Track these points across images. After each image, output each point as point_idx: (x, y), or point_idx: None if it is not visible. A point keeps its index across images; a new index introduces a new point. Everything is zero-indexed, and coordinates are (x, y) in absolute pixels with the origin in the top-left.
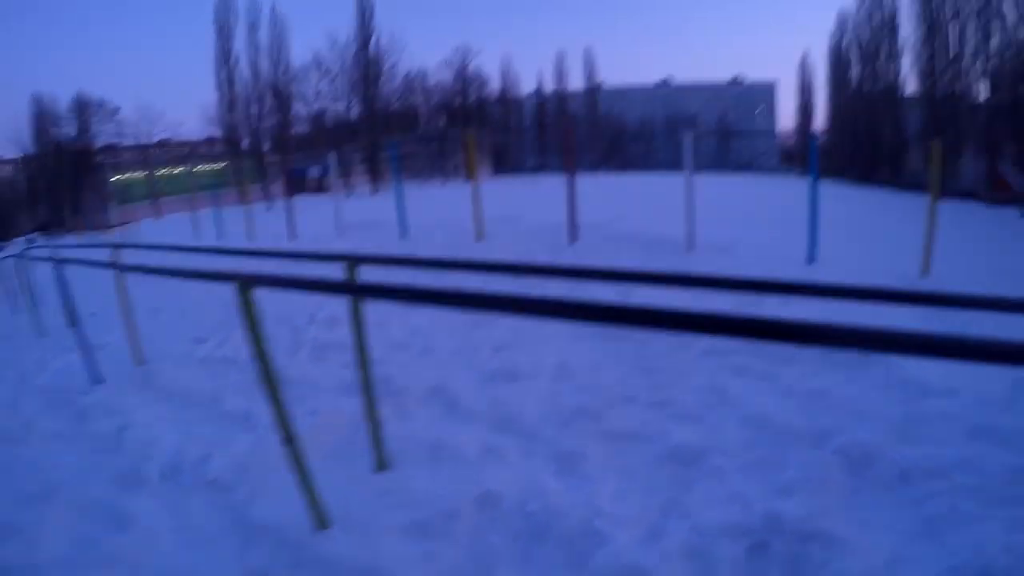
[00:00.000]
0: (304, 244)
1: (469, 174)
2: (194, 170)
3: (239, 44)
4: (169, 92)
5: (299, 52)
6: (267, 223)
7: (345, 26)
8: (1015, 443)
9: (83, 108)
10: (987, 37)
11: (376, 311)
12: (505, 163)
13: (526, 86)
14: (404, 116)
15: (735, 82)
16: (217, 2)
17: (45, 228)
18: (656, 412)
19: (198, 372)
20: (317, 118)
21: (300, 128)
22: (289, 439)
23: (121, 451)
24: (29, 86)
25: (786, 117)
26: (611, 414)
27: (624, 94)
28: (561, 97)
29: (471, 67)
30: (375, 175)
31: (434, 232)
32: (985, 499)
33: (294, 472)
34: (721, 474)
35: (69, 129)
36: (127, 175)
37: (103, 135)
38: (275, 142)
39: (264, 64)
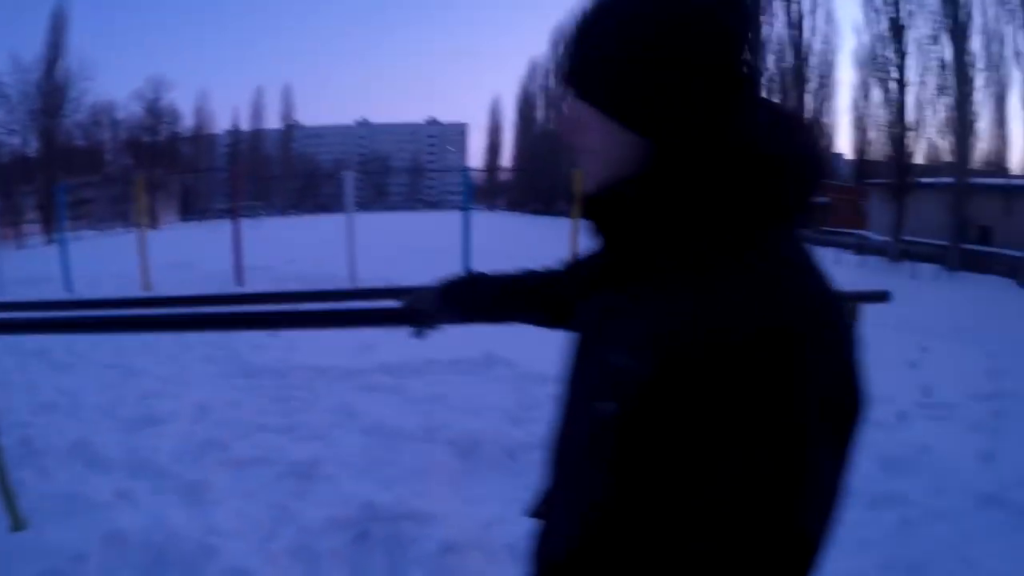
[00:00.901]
0: None
1: (142, 220)
2: None
3: None
4: None
5: None
6: None
7: (31, 44)
8: None
9: None
10: None
11: (26, 374)
12: (195, 205)
13: (221, 123)
14: (88, 154)
15: (431, 123)
16: None
17: None
18: (283, 436)
19: None
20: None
21: None
22: None
23: None
24: None
25: (477, 156)
26: (240, 444)
27: (321, 133)
28: (256, 136)
29: (164, 101)
30: (50, 222)
31: (103, 284)
32: None
33: None
34: (333, 480)
35: None
36: None
37: None
38: None
39: None
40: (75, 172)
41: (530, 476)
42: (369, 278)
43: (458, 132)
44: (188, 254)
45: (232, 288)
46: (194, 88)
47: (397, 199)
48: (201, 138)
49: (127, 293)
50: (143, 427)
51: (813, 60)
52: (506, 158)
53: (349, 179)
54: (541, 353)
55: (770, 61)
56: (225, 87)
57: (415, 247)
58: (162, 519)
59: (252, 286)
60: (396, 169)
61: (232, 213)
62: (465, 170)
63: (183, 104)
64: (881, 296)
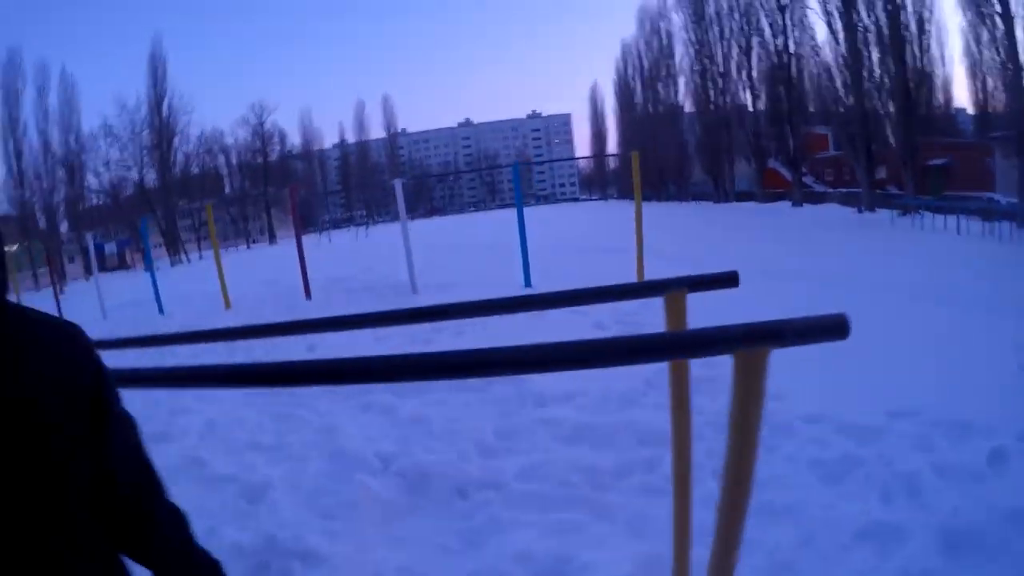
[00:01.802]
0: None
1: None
2: None
3: (28, 111)
4: None
5: (87, 117)
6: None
7: (135, 87)
8: (610, 444)
9: None
10: (748, 52)
11: None
12: (311, 219)
13: (329, 138)
14: (204, 179)
15: (533, 116)
16: (4, 64)
17: None
18: (264, 455)
19: None
20: (112, 189)
21: (95, 200)
22: None
23: None
24: None
25: (584, 145)
26: (223, 461)
27: (426, 138)
28: (363, 147)
29: (269, 123)
30: (173, 245)
31: (191, 302)
32: (539, 505)
33: None
34: (273, 506)
35: None
36: None
37: None
38: (70, 218)
39: (55, 132)
40: (194, 197)
41: (470, 519)
42: (426, 283)
43: (562, 123)
44: (278, 270)
45: (301, 300)
46: (297, 108)
47: (509, 195)
48: (311, 154)
49: (211, 310)
50: (153, 443)
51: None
52: (611, 145)
53: (399, 187)
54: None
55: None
56: (327, 104)
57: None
58: None
59: (320, 297)
60: (503, 166)
61: (296, 231)
62: (515, 165)
63: (288, 124)
64: (729, 279)
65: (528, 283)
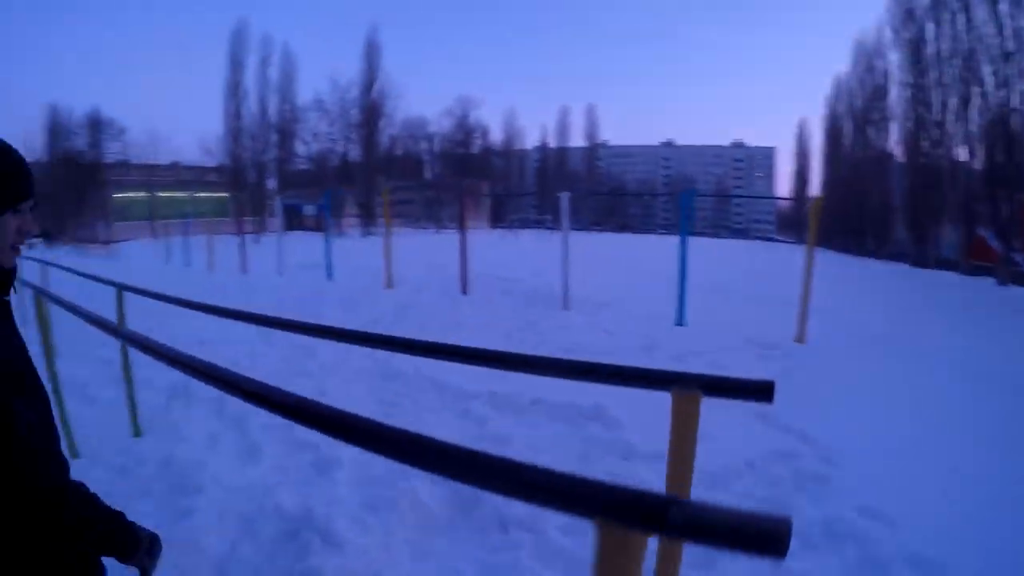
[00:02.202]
0: (253, 280)
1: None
2: (195, 196)
3: (250, 78)
4: (176, 118)
5: (302, 91)
6: (245, 255)
7: (348, 67)
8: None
9: (95, 125)
10: (967, 102)
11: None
12: (503, 215)
13: (530, 140)
14: (406, 161)
15: (737, 145)
16: (233, 34)
17: (45, 235)
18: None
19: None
20: (317, 157)
21: (301, 165)
22: None
23: None
24: (43, 94)
25: (785, 183)
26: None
27: (626, 153)
28: (562, 153)
29: (473, 118)
30: (368, 217)
31: (360, 274)
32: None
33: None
34: (333, 483)
35: (80, 143)
36: (129, 194)
37: (110, 153)
38: (277, 177)
39: (272, 100)
40: (394, 176)
41: (496, 555)
42: (582, 298)
43: (765, 156)
44: (446, 259)
45: (458, 294)
46: (502, 105)
47: (703, 224)
48: (512, 153)
49: (372, 285)
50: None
51: None
52: (814, 186)
53: (565, 200)
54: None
55: None
56: (533, 105)
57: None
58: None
59: (477, 294)
60: (703, 192)
61: (460, 227)
62: (689, 192)
63: (492, 120)
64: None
65: (681, 321)
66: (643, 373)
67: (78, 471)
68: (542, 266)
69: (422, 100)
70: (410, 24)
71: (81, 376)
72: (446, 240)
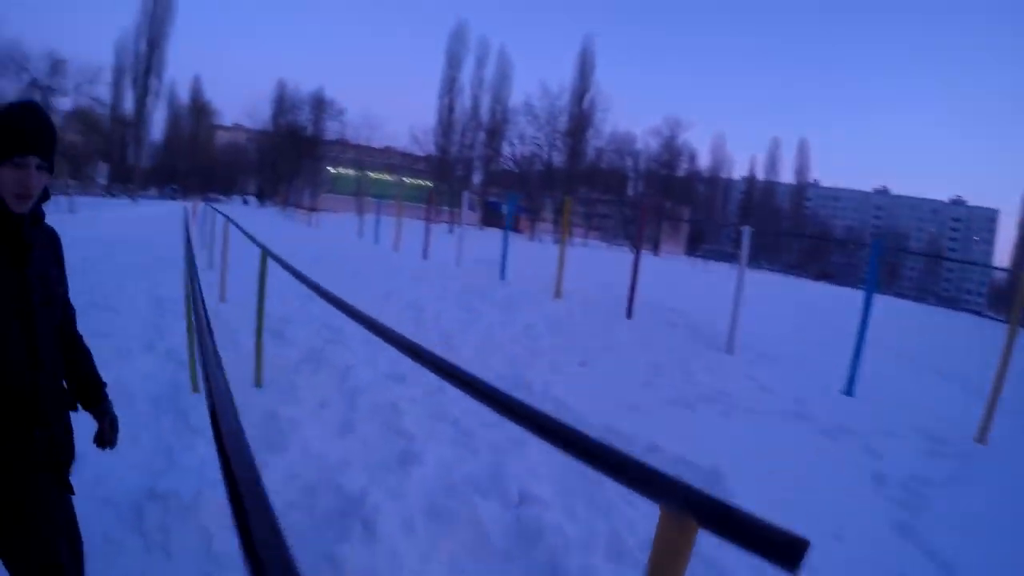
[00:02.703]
0: (429, 266)
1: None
2: (401, 180)
3: (465, 76)
4: (392, 105)
5: (514, 94)
6: (429, 242)
7: (560, 74)
8: None
9: (318, 103)
10: None
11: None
12: (701, 242)
13: (737, 169)
14: (609, 175)
15: (956, 202)
16: (451, 32)
17: (259, 195)
18: (447, 426)
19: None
20: (522, 160)
21: (505, 166)
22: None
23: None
24: (274, 70)
25: (1005, 252)
26: (409, 418)
27: (836, 196)
28: (769, 187)
29: (680, 140)
30: (561, 225)
31: (534, 280)
32: None
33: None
34: (407, 478)
35: (302, 117)
36: (341, 170)
37: (329, 130)
38: (482, 174)
39: (484, 99)
40: (596, 189)
41: None
42: (750, 343)
43: (987, 218)
44: (624, 278)
45: (621, 317)
46: (711, 130)
47: (907, 284)
48: (717, 180)
49: (541, 293)
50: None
51: None
52: None
53: (746, 236)
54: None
55: None
56: (742, 134)
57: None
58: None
59: (639, 320)
60: (912, 249)
61: (635, 249)
62: (880, 241)
63: (699, 144)
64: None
65: (849, 391)
66: (626, 465)
67: (193, 404)
68: (719, 303)
69: (631, 115)
70: (626, 38)
71: (234, 322)
72: (635, 259)
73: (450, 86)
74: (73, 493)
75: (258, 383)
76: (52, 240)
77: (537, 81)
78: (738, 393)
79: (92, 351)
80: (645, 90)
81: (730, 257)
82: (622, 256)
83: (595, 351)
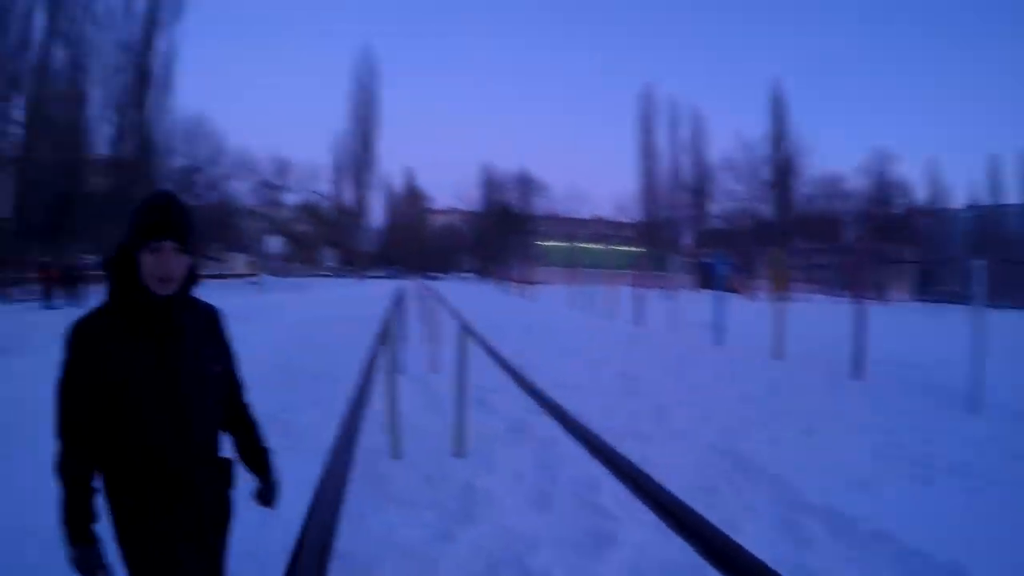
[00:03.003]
0: (642, 333)
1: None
2: (610, 248)
3: (661, 138)
4: (593, 174)
5: (711, 150)
6: (642, 309)
7: (753, 121)
8: None
9: (523, 181)
10: None
11: None
12: (932, 284)
13: (957, 197)
14: (822, 222)
15: None
16: (640, 97)
17: (477, 271)
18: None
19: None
20: (729, 216)
21: (713, 224)
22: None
23: None
24: (478, 153)
25: None
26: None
27: None
28: (996, 212)
29: (892, 174)
30: (781, 280)
31: (746, 341)
32: None
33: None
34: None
35: (509, 196)
36: (550, 242)
37: (536, 206)
38: (691, 235)
39: (683, 159)
40: (810, 238)
41: None
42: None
43: None
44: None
45: (844, 377)
46: (923, 158)
47: None
48: (938, 213)
49: (757, 355)
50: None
51: None
52: None
53: (980, 272)
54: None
55: None
56: (954, 157)
57: None
58: None
59: (869, 382)
60: None
61: (857, 297)
62: None
63: (913, 175)
64: None
65: None
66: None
67: (393, 469)
68: (956, 353)
69: (835, 154)
70: (817, 74)
71: (443, 391)
72: (858, 311)
73: (647, 151)
74: (223, 552)
75: (459, 453)
76: (209, 319)
77: (731, 131)
78: (986, 464)
79: (303, 409)
80: (848, 123)
81: (966, 298)
82: (845, 308)
83: (819, 417)
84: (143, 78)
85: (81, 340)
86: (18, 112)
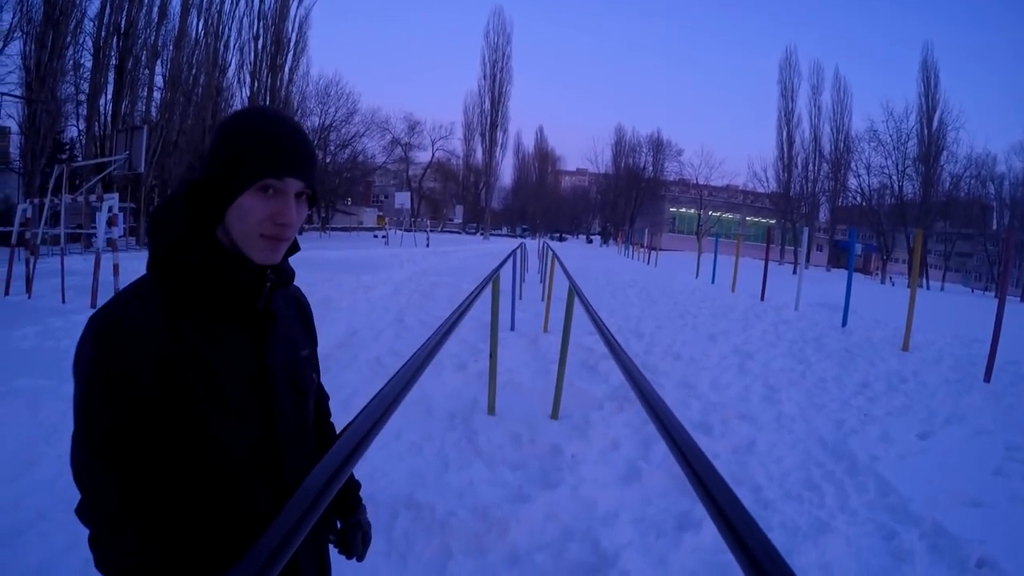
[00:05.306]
0: (765, 309)
1: None
2: (742, 218)
3: (801, 105)
4: (727, 142)
5: (855, 119)
6: (766, 283)
7: (900, 92)
8: None
9: (656, 145)
10: None
11: None
12: None
13: None
14: (967, 205)
15: None
16: (781, 61)
17: (602, 233)
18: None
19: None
20: (871, 193)
21: (851, 200)
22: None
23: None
24: (612, 116)
25: None
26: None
27: None
28: None
29: None
30: (914, 263)
31: (874, 328)
32: None
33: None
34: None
35: (641, 160)
36: (681, 209)
37: (668, 171)
38: (828, 211)
39: (824, 129)
40: (955, 222)
41: None
42: None
43: None
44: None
45: (974, 379)
46: None
47: None
48: None
49: (886, 347)
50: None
51: None
52: None
53: None
54: None
55: None
56: None
57: None
58: None
59: (998, 384)
60: None
61: (1000, 292)
62: None
63: None
64: None
65: None
66: None
67: (484, 425)
68: None
69: (988, 132)
70: (972, 42)
71: (552, 352)
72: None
73: (787, 118)
74: None
75: (554, 415)
76: (301, 307)
77: (877, 101)
78: None
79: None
80: (1000, 100)
81: None
82: (987, 302)
83: (940, 421)
84: (278, 44)
85: (130, 340)
86: (158, 78)
